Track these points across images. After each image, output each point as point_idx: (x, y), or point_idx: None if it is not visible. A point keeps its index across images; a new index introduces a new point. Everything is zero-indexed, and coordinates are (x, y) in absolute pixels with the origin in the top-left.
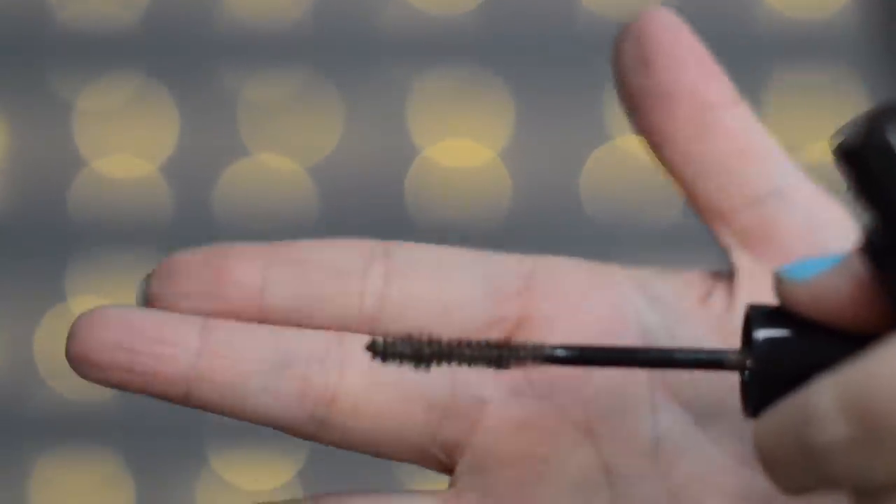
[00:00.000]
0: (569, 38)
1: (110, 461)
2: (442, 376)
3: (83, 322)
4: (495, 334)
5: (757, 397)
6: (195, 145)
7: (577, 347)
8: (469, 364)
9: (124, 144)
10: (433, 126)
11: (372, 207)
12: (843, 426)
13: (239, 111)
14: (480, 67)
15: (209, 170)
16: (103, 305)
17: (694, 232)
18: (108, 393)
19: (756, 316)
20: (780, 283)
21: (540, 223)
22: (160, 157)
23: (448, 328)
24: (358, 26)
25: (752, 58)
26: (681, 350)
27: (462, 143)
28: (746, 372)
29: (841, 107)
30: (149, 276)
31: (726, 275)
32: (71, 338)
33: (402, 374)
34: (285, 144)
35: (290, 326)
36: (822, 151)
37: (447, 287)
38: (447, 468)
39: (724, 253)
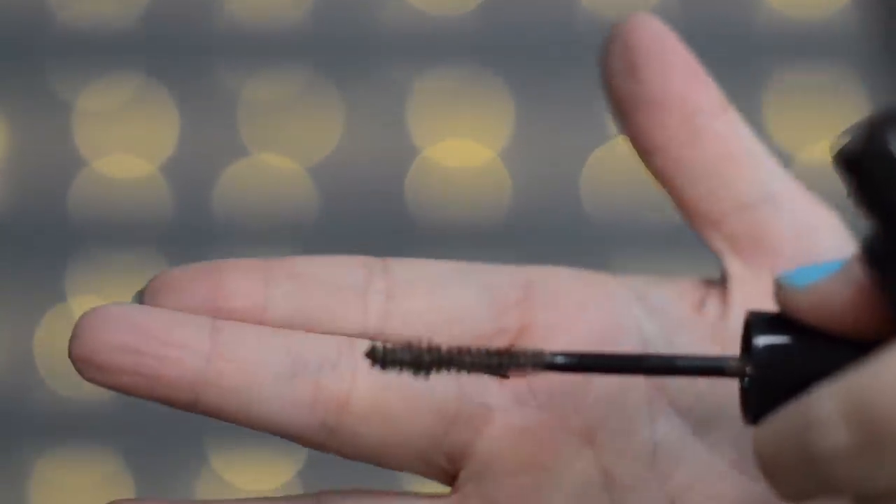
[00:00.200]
0: (569, 38)
1: (110, 461)
2: (448, 383)
3: (87, 322)
4: (498, 345)
5: (757, 404)
6: (195, 145)
7: (577, 354)
8: (469, 371)
9: (124, 144)
10: (433, 126)
11: (372, 207)
12: (845, 433)
13: (239, 111)
14: (480, 67)
15: (209, 170)
16: (108, 304)
17: (694, 232)
18: (108, 393)
19: (756, 322)
20: (780, 289)
21: (540, 223)
22: (160, 157)
23: (451, 341)
24: (358, 26)
25: (752, 58)
26: (681, 357)
27: (462, 143)
28: (746, 379)
29: (841, 107)
30: (142, 292)
31: (719, 282)
32: (74, 338)
33: (411, 381)
34: (285, 144)
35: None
36: (822, 151)
37: (447, 301)
38: (449, 477)
39: (715, 259)
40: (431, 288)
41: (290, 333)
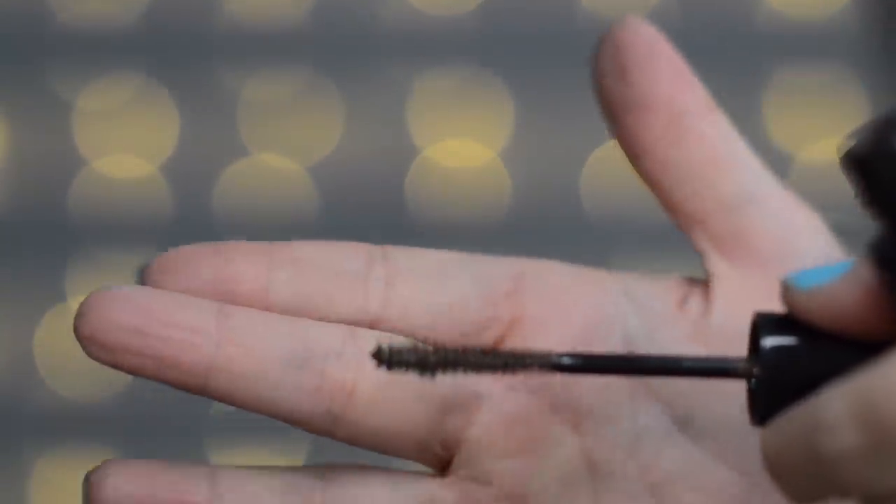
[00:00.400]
0: (569, 38)
1: None
2: None
3: (92, 301)
4: (490, 334)
5: (764, 406)
6: (195, 145)
7: (584, 356)
8: (475, 372)
9: (124, 144)
10: (433, 126)
11: (372, 207)
12: (854, 435)
13: (239, 111)
14: (480, 67)
15: (209, 170)
16: (113, 285)
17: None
18: (108, 393)
19: (763, 324)
20: (787, 290)
21: (540, 223)
22: (160, 157)
23: (446, 328)
24: (358, 26)
25: (752, 58)
26: (688, 358)
27: (462, 143)
28: (753, 380)
29: (840, 107)
30: (146, 269)
31: (702, 281)
32: (80, 316)
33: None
34: (285, 144)
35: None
36: (822, 151)
37: (444, 289)
38: (443, 463)
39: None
40: (430, 276)
41: (296, 321)
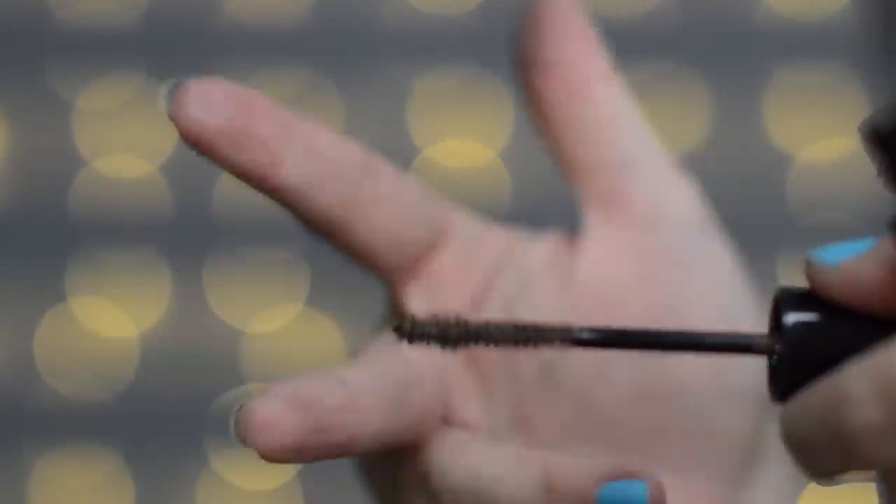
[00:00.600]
0: None
1: (110, 461)
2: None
3: (258, 412)
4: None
5: (785, 382)
6: None
7: (605, 330)
8: (496, 345)
9: (124, 144)
10: (433, 126)
11: None
12: (877, 410)
13: None
14: (480, 67)
15: (209, 170)
16: (266, 392)
17: None
18: (108, 393)
19: (786, 299)
20: (810, 266)
21: (540, 223)
22: (160, 157)
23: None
24: (358, 26)
25: (752, 58)
26: (709, 334)
27: (462, 143)
28: (775, 356)
29: (840, 107)
30: (185, 96)
31: (576, 235)
32: (249, 430)
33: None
34: None
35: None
36: (822, 151)
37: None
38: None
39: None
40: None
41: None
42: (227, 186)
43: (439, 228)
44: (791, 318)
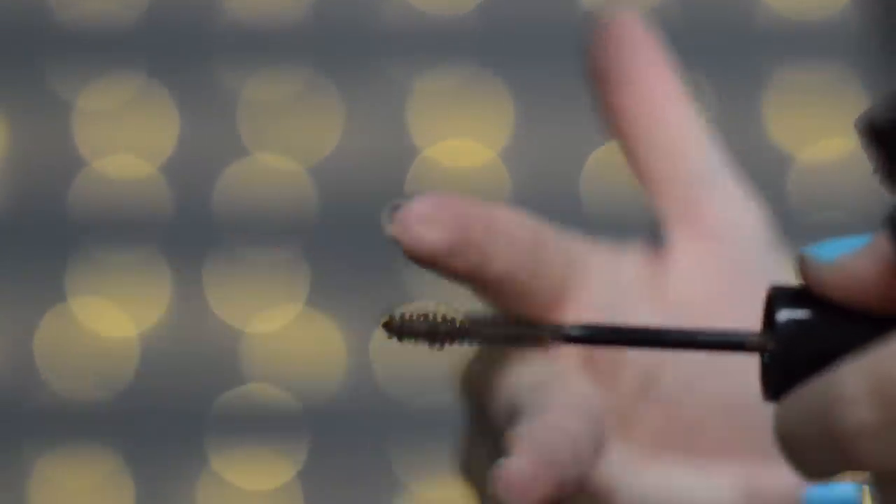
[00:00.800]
0: (569, 38)
1: (110, 461)
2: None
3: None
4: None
5: (778, 381)
6: (195, 145)
7: (596, 327)
8: (485, 342)
9: (124, 144)
10: (433, 126)
11: (372, 207)
12: (871, 411)
13: (239, 111)
14: (480, 67)
15: (209, 170)
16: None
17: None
18: (107, 393)
19: (779, 296)
20: (804, 263)
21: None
22: (160, 157)
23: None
24: (358, 26)
25: (752, 58)
26: (701, 332)
27: (462, 143)
28: (767, 354)
29: (840, 107)
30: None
31: (660, 250)
32: (506, 490)
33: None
34: (285, 144)
35: None
36: (822, 151)
37: None
38: None
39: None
40: None
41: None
42: (227, 186)
43: (571, 263)
44: (784, 315)
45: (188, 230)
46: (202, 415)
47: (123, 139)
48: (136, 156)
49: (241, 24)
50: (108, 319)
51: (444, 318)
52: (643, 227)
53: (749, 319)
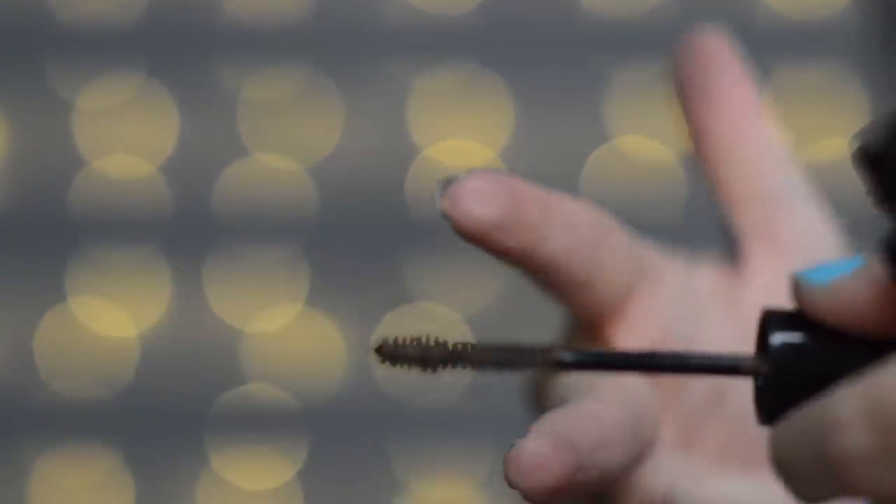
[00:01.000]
0: (569, 38)
1: (110, 460)
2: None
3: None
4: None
5: (772, 404)
6: (195, 145)
7: (587, 352)
8: (477, 367)
9: (124, 144)
10: (433, 125)
11: (372, 207)
12: (866, 436)
13: (239, 111)
14: (480, 67)
15: (209, 170)
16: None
17: (694, 232)
18: (108, 393)
19: (772, 320)
20: (797, 286)
21: None
22: (160, 156)
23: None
24: (358, 26)
25: (752, 58)
26: (694, 355)
27: (462, 143)
28: (761, 378)
29: (840, 106)
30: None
31: (736, 265)
32: (516, 472)
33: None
34: (285, 144)
35: None
36: (822, 151)
37: None
38: None
39: (732, 243)
40: None
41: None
42: (227, 186)
43: (642, 271)
44: (777, 338)
45: (188, 230)
46: (202, 414)
47: (123, 139)
48: (135, 155)
49: (240, 23)
50: (108, 319)
51: (436, 342)
52: (643, 228)
53: None
